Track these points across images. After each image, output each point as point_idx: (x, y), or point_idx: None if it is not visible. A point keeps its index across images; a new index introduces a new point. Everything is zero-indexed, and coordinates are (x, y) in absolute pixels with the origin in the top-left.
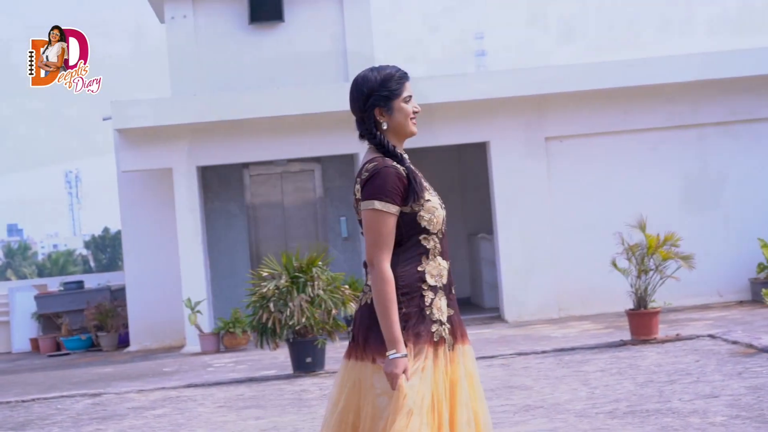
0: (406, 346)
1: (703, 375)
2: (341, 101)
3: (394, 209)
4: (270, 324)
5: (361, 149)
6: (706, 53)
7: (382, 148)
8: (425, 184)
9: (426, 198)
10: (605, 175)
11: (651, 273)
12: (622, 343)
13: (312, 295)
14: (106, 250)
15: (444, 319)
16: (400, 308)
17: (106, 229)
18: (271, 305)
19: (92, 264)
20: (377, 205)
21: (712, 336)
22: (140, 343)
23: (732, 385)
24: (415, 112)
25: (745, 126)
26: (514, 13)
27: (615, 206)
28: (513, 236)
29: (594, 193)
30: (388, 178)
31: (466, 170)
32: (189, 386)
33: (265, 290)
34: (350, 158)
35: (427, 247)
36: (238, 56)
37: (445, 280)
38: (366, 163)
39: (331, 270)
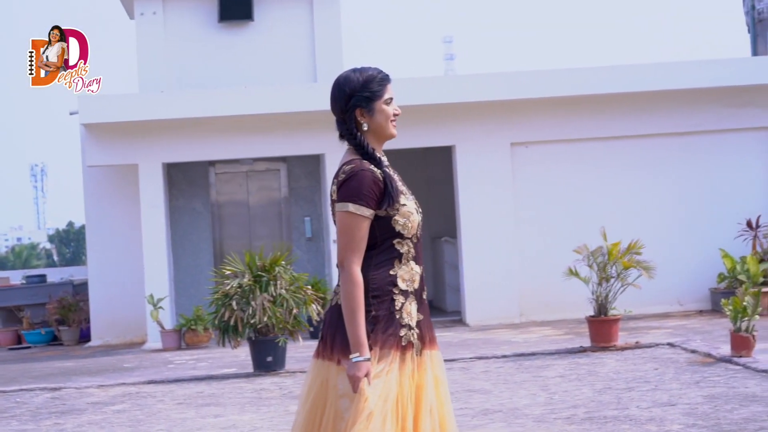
0: (371, 349)
1: (661, 383)
2: (309, 101)
3: (368, 212)
4: (232, 322)
5: (327, 150)
6: (673, 62)
7: (361, 149)
8: (402, 188)
9: (401, 202)
10: (570, 182)
11: (612, 281)
12: (582, 350)
13: (274, 294)
14: (70, 244)
15: (413, 323)
16: (369, 311)
17: (70, 224)
18: (234, 304)
19: (56, 258)
20: (351, 207)
21: (671, 344)
22: (101, 338)
23: (689, 394)
24: (395, 115)
25: (708, 137)
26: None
27: (579, 213)
28: (476, 240)
29: (558, 200)
30: (364, 181)
31: (432, 173)
32: (149, 382)
33: (227, 288)
34: (316, 159)
35: (401, 251)
36: (207, 54)
37: (416, 285)
38: (344, 165)
39: (294, 270)
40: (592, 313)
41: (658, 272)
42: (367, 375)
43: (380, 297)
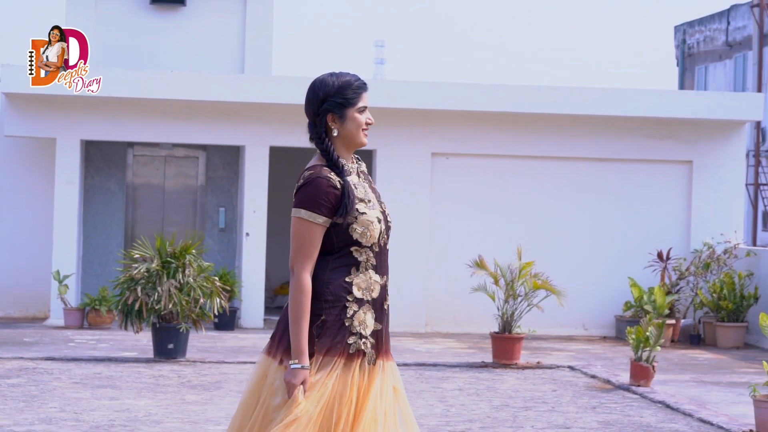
0: (313, 356)
1: (558, 405)
2: (234, 92)
3: (321, 220)
4: (136, 306)
5: (247, 142)
6: (599, 88)
7: (326, 155)
8: (366, 196)
9: (361, 210)
10: (487, 198)
11: (519, 299)
12: (484, 365)
13: (182, 281)
14: None
15: (367, 333)
16: (319, 315)
17: None
18: (139, 288)
19: None
20: (303, 214)
21: (572, 368)
22: (4, 311)
23: (585, 418)
24: (368, 124)
25: (628, 165)
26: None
27: (492, 229)
28: (390, 246)
29: (474, 214)
30: (320, 189)
31: None
32: (47, 359)
33: (134, 272)
34: (236, 150)
35: (359, 259)
36: (136, 35)
37: (375, 295)
38: (305, 170)
39: (204, 259)
40: (497, 329)
41: (565, 295)
42: (303, 383)
43: (333, 303)
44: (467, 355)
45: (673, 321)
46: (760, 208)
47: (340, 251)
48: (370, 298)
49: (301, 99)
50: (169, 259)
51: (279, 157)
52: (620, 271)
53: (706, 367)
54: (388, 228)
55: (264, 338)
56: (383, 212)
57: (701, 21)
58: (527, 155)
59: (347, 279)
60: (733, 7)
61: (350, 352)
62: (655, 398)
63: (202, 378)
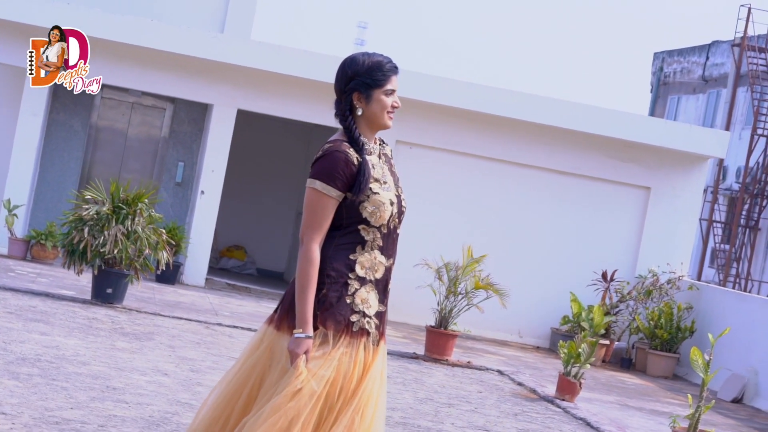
0: (317, 329)
1: (481, 407)
2: (210, 50)
3: (334, 193)
4: (81, 247)
5: (216, 101)
6: (569, 102)
7: (348, 132)
8: (386, 178)
9: (374, 190)
10: (443, 192)
11: (460, 297)
12: (415, 356)
13: (130, 229)
14: None
15: (370, 312)
16: (321, 289)
17: None
18: (86, 230)
19: None
20: (318, 185)
21: (501, 372)
22: None
23: (505, 423)
24: (393, 107)
25: (587, 182)
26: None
27: (445, 224)
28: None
29: (430, 207)
30: (337, 163)
31: (317, 150)
32: None
33: (84, 213)
34: (204, 107)
35: (366, 238)
36: None
37: (378, 275)
38: (326, 143)
39: (156, 211)
40: (433, 323)
41: (506, 300)
42: (306, 353)
43: (335, 278)
44: (401, 345)
45: (607, 342)
46: (710, 244)
47: (348, 227)
48: (373, 278)
49: (276, 67)
50: (120, 205)
51: (247, 121)
52: (563, 285)
53: (632, 392)
54: (401, 212)
55: (203, 297)
56: (398, 196)
57: (681, 52)
58: (490, 157)
59: (351, 256)
60: (714, 43)
61: (354, 330)
62: (577, 414)
63: (135, 327)
